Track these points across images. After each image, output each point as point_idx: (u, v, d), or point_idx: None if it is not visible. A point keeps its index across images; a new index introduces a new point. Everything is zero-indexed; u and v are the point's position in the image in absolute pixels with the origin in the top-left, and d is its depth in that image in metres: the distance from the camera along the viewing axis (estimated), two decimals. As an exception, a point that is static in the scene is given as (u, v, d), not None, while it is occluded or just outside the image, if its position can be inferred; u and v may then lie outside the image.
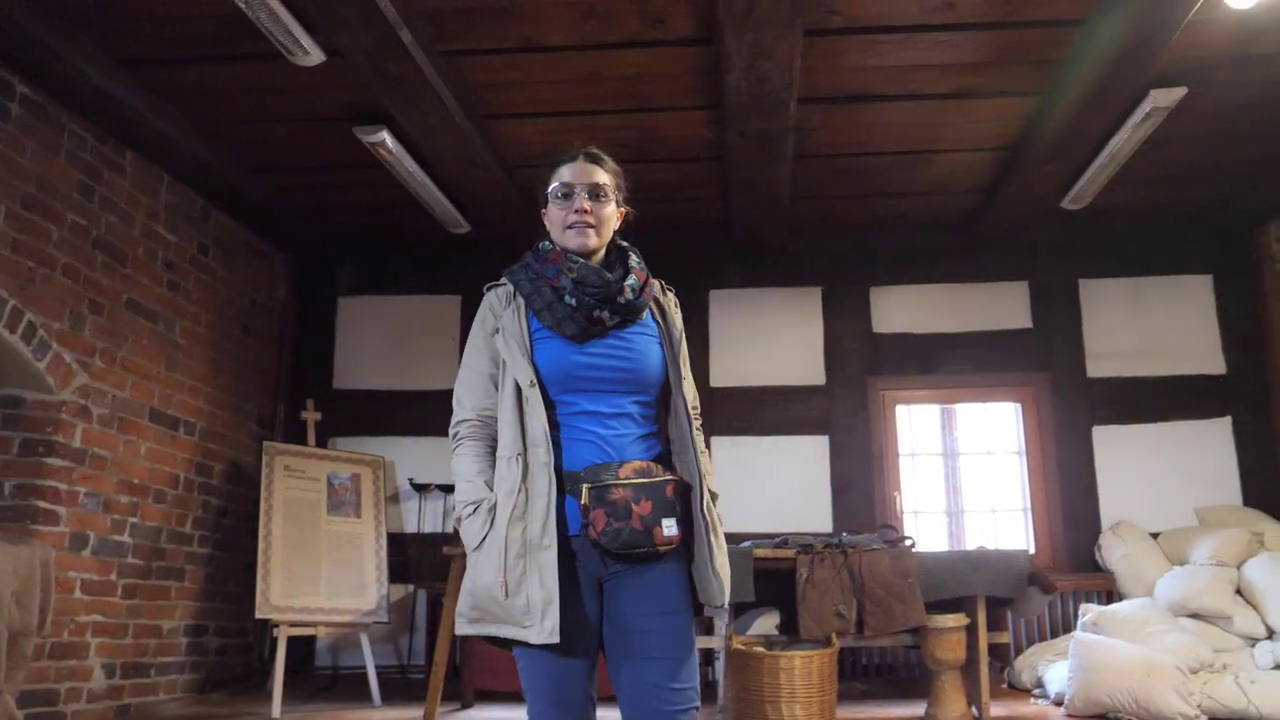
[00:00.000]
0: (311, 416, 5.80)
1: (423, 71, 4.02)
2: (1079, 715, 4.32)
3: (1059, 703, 4.53)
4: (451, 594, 4.58)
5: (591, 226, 2.09)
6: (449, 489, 6.04)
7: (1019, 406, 6.10)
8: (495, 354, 2.06)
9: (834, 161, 5.25)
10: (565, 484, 1.96)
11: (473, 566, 1.97)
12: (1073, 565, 5.75)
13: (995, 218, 5.74)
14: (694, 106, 4.63)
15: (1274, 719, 4.15)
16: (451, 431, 2.11)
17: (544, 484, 1.93)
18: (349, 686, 5.55)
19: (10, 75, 4.08)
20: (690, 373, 2.18)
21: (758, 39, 3.80)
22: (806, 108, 4.59)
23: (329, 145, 4.95)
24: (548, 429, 1.96)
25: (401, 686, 5.48)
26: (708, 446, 2.24)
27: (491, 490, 2.01)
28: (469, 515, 2.00)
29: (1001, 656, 5.30)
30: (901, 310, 6.19)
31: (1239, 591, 5.02)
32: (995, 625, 4.47)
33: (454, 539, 5.71)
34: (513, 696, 4.85)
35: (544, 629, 1.86)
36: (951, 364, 6.07)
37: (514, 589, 1.89)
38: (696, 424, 2.10)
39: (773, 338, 6.11)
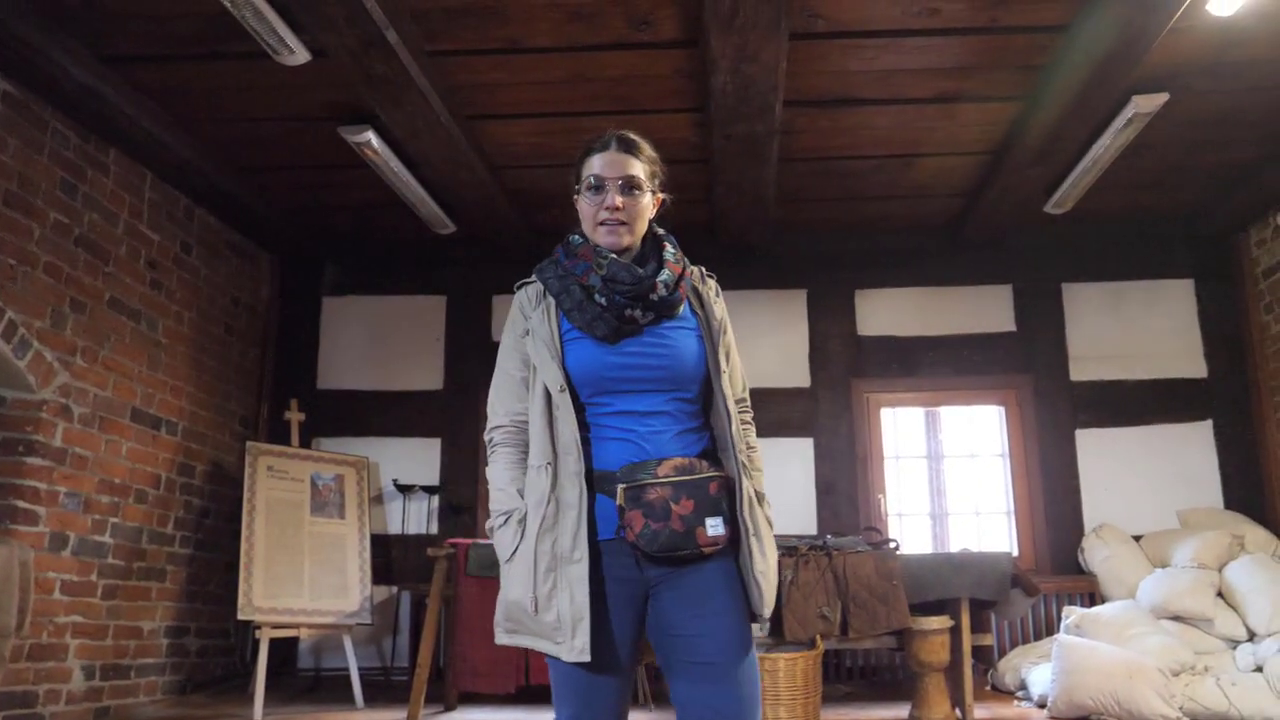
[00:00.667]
0: (295, 417, 5.77)
1: (408, 72, 4.01)
2: (1062, 717, 4.34)
3: (1042, 705, 4.55)
4: (435, 596, 4.57)
5: (624, 224, 1.97)
6: (432, 490, 6.02)
7: (1002, 409, 6.12)
8: (526, 357, 1.98)
9: (819, 165, 5.27)
10: (599, 484, 1.87)
11: (505, 578, 1.91)
12: (1056, 567, 5.78)
13: (979, 222, 5.77)
14: (680, 109, 4.64)
15: (1253, 720, 4.19)
16: (486, 438, 2.04)
17: (574, 494, 1.85)
18: (331, 688, 5.52)
19: (-8, 72, 4.06)
20: (739, 359, 2.08)
21: (743, 42, 3.81)
22: (791, 111, 4.61)
23: (314, 145, 4.94)
24: (578, 435, 1.88)
25: (384, 688, 5.45)
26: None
27: (524, 499, 1.93)
28: (500, 525, 1.93)
29: (985, 659, 5.31)
30: (886, 313, 6.20)
31: (1220, 594, 5.06)
32: (979, 627, 4.48)
33: (436, 540, 5.70)
34: (496, 699, 4.84)
35: (574, 647, 1.80)
36: (935, 367, 6.10)
37: (544, 604, 1.82)
38: (742, 418, 2.02)
39: (757, 340, 6.10)
